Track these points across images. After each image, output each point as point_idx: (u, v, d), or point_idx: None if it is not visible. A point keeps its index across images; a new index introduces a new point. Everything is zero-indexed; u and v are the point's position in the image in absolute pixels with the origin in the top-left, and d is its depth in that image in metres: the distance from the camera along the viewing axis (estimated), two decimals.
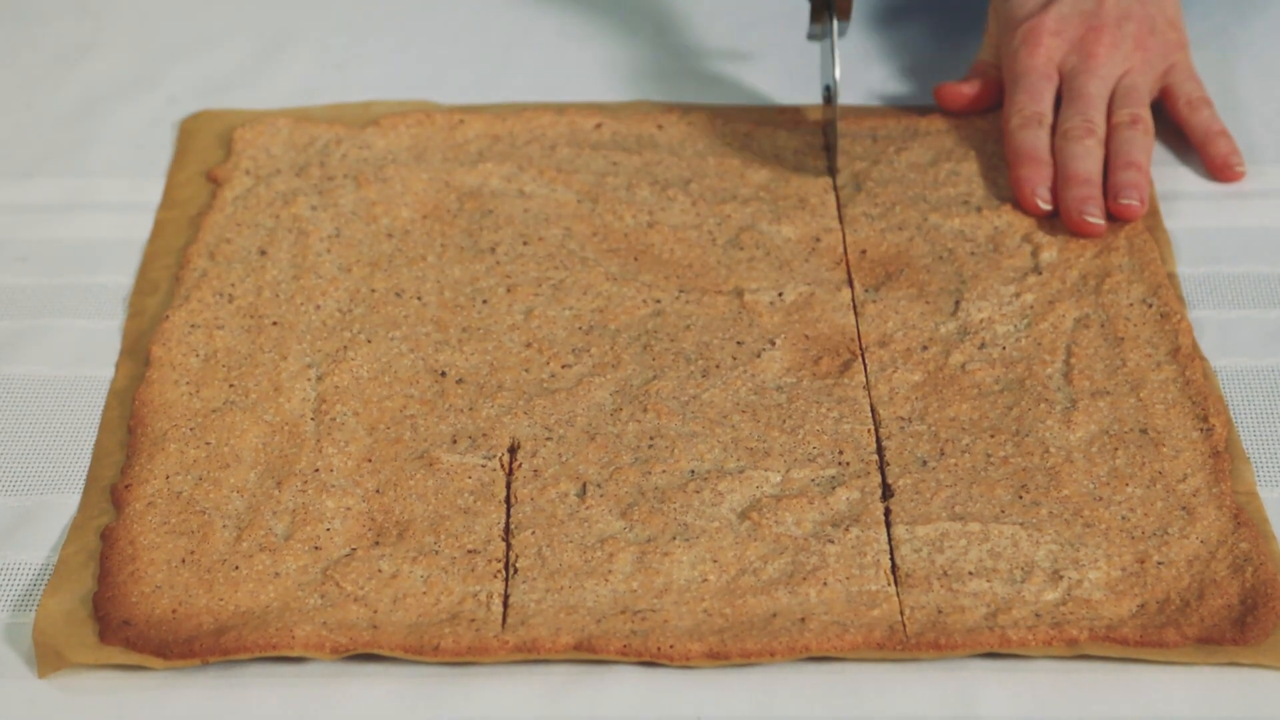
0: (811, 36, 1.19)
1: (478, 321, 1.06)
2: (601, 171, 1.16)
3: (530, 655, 0.90)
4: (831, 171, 1.15)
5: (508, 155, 1.18)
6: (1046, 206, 1.12)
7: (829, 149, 1.17)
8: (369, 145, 1.18)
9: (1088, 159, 1.12)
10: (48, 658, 0.90)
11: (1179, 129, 1.18)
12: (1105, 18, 1.17)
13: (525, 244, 1.11)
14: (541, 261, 1.10)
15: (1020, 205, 1.12)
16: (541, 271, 1.09)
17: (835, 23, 1.16)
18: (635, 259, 1.10)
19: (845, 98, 1.23)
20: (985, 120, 1.20)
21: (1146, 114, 1.15)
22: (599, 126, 1.20)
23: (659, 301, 1.07)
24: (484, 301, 1.08)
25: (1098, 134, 1.14)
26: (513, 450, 0.99)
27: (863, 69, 1.26)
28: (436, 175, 1.16)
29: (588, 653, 0.90)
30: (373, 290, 1.08)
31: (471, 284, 1.09)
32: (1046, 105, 1.16)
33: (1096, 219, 1.10)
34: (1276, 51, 1.23)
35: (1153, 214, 1.13)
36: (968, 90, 1.20)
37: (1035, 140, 1.14)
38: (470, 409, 1.01)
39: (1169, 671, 0.90)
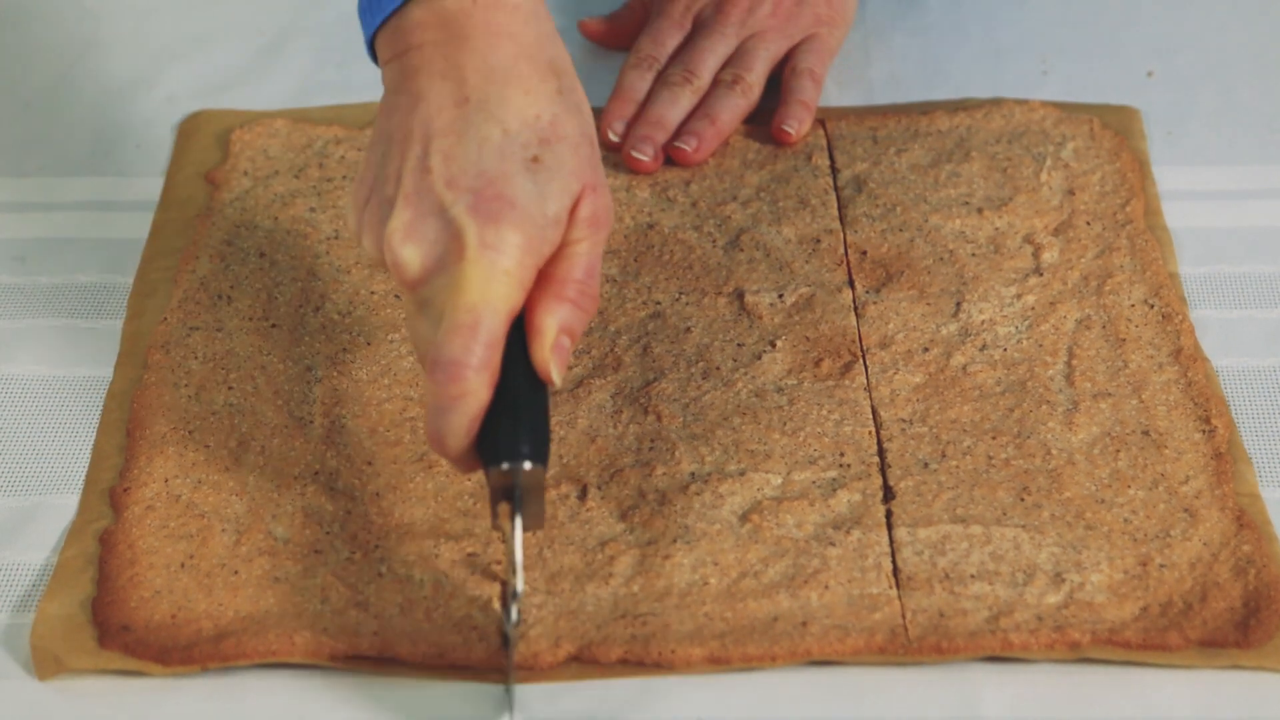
0: (495, 528, 0.90)
1: None
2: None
3: (531, 678, 0.89)
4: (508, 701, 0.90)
5: None
6: (615, 139, 1.15)
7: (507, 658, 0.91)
8: (368, 146, 1.18)
9: (669, 105, 1.15)
10: (46, 663, 0.90)
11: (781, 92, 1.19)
12: None
13: None
14: None
15: (599, 137, 1.13)
16: None
17: (519, 523, 0.88)
18: (635, 260, 1.10)
19: (845, 99, 1.23)
20: (987, 120, 1.20)
21: (751, 77, 1.17)
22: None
23: (659, 303, 1.07)
24: None
25: (694, 84, 1.16)
26: None
27: (863, 69, 1.26)
28: None
29: (589, 663, 0.90)
30: (372, 292, 1.08)
31: None
32: (665, 51, 1.18)
33: (642, 155, 1.13)
34: (1276, 51, 1.23)
35: (1154, 214, 1.13)
36: (602, 25, 1.23)
37: (635, 80, 1.17)
38: None
39: (1171, 674, 0.90)
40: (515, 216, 0.86)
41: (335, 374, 1.03)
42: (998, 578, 0.92)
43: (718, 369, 1.03)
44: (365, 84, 1.26)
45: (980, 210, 1.13)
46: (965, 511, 0.96)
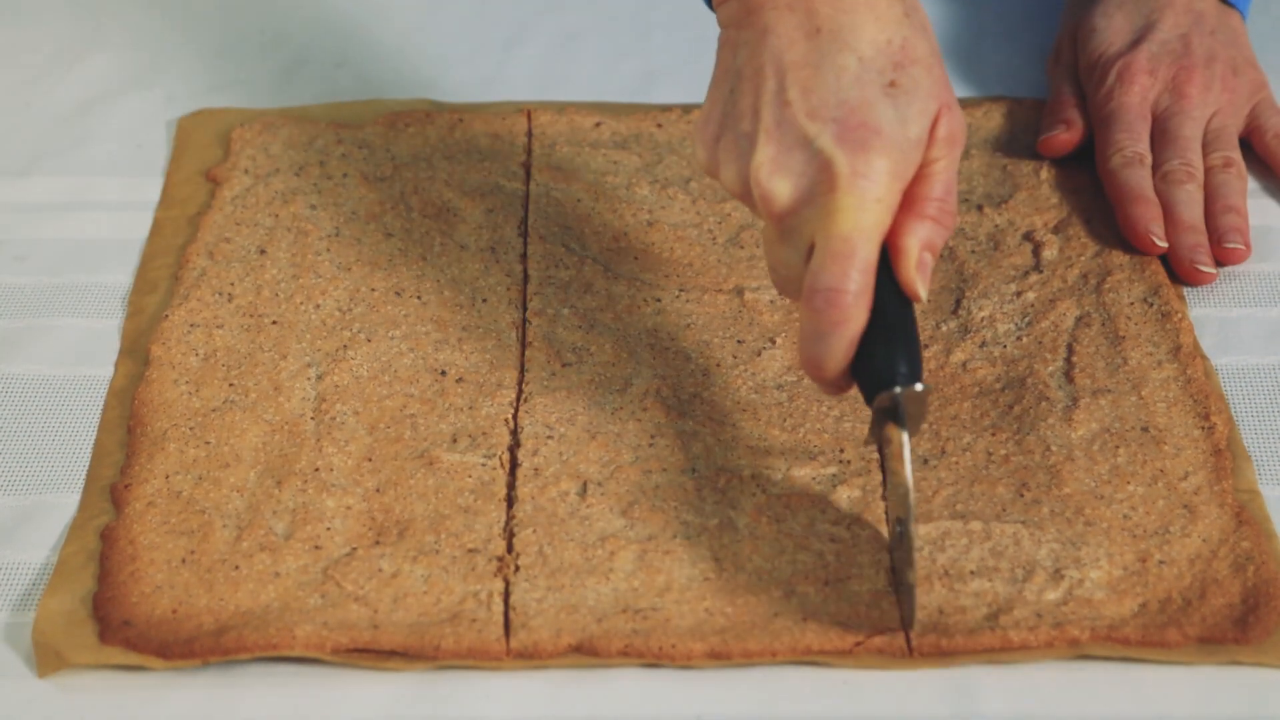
0: (869, 443, 0.94)
1: (477, 320, 1.06)
2: (601, 170, 1.16)
3: (531, 663, 0.90)
4: (906, 627, 0.91)
5: (508, 154, 1.17)
6: (1163, 244, 1.09)
7: (902, 605, 0.92)
8: (368, 144, 1.18)
9: (1192, 204, 1.11)
10: (47, 658, 0.90)
11: (1266, 161, 1.17)
12: (1194, 58, 1.16)
13: (525, 242, 1.11)
14: (541, 260, 1.10)
15: (1134, 243, 1.10)
16: (541, 270, 1.09)
17: (907, 439, 0.90)
18: (635, 258, 1.10)
19: None
20: (986, 119, 1.20)
21: (1238, 156, 1.14)
22: (598, 125, 1.20)
23: (659, 300, 1.07)
24: (483, 300, 1.07)
25: (1197, 178, 1.12)
26: (513, 449, 0.99)
27: None
28: (436, 174, 1.16)
29: (589, 655, 0.90)
30: (372, 289, 1.08)
31: (471, 283, 1.09)
32: (1145, 145, 1.14)
33: (1208, 268, 1.09)
34: (1277, 51, 1.23)
35: None
36: (1062, 135, 1.17)
37: (1140, 179, 1.12)
38: (470, 408, 1.01)
39: (1170, 670, 0.90)
40: (881, 143, 0.88)
41: (336, 370, 1.03)
42: (997, 574, 0.92)
43: (718, 365, 1.03)
44: (365, 83, 1.27)
45: (980, 207, 1.13)
46: (965, 508, 0.96)
